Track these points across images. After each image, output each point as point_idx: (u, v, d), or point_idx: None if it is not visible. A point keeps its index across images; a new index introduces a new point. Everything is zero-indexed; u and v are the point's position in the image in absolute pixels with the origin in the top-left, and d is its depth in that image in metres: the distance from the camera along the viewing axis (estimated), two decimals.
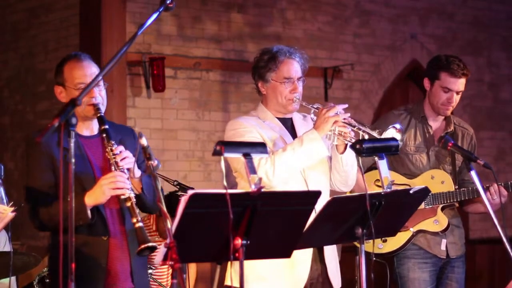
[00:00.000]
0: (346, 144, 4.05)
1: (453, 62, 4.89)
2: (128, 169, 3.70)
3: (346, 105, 4.05)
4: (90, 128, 3.86)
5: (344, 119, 3.98)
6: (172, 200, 5.45)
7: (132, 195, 3.66)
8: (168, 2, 3.36)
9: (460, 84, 4.90)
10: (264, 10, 8.05)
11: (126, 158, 3.70)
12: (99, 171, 3.78)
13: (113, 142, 3.71)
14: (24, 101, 8.07)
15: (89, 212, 3.68)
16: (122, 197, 3.65)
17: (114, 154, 3.68)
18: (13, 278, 5.14)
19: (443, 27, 9.17)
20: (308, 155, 4.00)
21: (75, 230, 3.66)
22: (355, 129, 3.96)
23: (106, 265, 3.75)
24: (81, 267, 3.69)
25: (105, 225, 3.76)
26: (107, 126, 3.73)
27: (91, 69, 3.82)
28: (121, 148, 3.73)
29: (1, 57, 8.34)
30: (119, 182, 3.63)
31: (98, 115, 3.75)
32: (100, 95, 3.80)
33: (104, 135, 3.72)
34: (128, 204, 3.63)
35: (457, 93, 4.92)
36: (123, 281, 3.80)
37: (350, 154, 4.10)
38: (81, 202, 3.64)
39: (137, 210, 3.64)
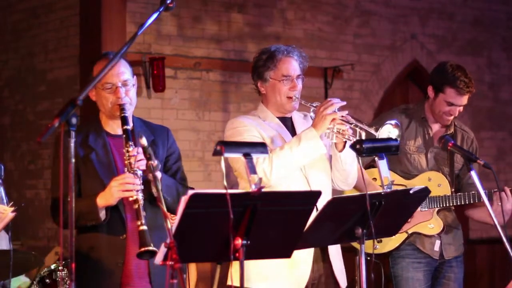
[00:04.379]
0: (345, 142, 4.05)
1: (460, 78, 4.83)
2: (144, 171, 3.69)
3: (344, 102, 4.03)
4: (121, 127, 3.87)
5: (342, 116, 3.96)
6: None
7: (141, 197, 3.65)
8: (168, 2, 3.36)
9: (464, 99, 4.90)
10: (264, 10, 8.05)
11: (141, 160, 3.68)
12: (122, 170, 3.79)
13: (131, 143, 3.70)
14: (24, 101, 8.08)
15: (102, 212, 3.71)
16: (130, 199, 3.65)
17: (129, 155, 3.68)
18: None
19: (443, 27, 9.18)
20: (305, 153, 3.99)
21: (93, 229, 3.74)
22: (352, 126, 3.95)
23: (123, 264, 3.76)
24: (98, 265, 3.74)
25: (124, 224, 3.78)
26: (127, 127, 3.73)
27: (119, 69, 3.83)
28: (139, 150, 3.72)
29: (1, 57, 8.34)
30: (128, 184, 3.64)
31: (122, 115, 3.76)
32: (127, 96, 3.83)
33: (124, 135, 3.73)
34: (135, 206, 3.63)
35: (460, 106, 4.93)
36: (139, 280, 3.80)
37: (349, 152, 4.08)
38: (93, 203, 3.69)
39: (143, 213, 3.62)
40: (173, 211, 3.87)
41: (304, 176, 4.10)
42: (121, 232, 3.78)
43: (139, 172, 3.67)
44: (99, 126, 3.90)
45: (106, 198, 3.69)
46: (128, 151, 3.69)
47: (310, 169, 4.11)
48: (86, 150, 3.83)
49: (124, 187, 3.64)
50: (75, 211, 3.63)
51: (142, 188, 3.68)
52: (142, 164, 3.67)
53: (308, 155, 4.01)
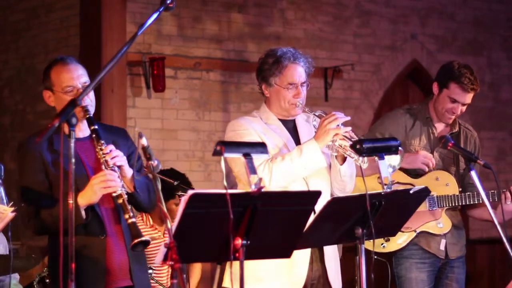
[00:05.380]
0: (346, 157, 4.06)
1: (465, 75, 4.85)
2: (119, 167, 3.74)
3: (348, 118, 4.04)
4: (82, 130, 3.90)
5: (345, 132, 3.97)
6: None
7: (124, 192, 3.70)
8: (168, 2, 3.36)
9: (467, 97, 4.89)
10: (264, 10, 8.05)
11: (116, 156, 3.74)
12: (92, 171, 3.82)
13: (102, 142, 3.75)
14: (24, 101, 8.08)
15: (83, 212, 3.72)
16: (114, 194, 3.70)
17: (104, 153, 3.73)
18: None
19: (443, 27, 9.17)
20: (306, 166, 4.01)
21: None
22: None
23: (105, 264, 3.79)
24: (80, 267, 3.73)
25: (102, 225, 3.81)
26: (96, 126, 3.77)
27: (77, 72, 3.87)
28: (111, 147, 3.77)
29: (1, 57, 8.34)
30: (109, 180, 3.67)
31: (87, 116, 3.77)
32: (88, 97, 3.84)
33: (94, 135, 3.76)
34: (120, 201, 3.68)
35: (463, 104, 4.92)
36: (122, 279, 3.84)
37: (349, 166, 4.11)
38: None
39: (129, 207, 3.68)
40: (145, 208, 3.90)
41: (304, 180, 4.11)
42: (100, 232, 3.80)
43: (116, 169, 3.71)
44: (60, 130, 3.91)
45: (87, 197, 3.70)
46: (101, 149, 3.73)
47: (310, 176, 4.11)
48: (53, 155, 3.84)
49: (105, 184, 3.67)
50: (54, 215, 3.65)
51: (123, 183, 3.72)
52: (118, 161, 3.73)
53: (308, 168, 4.03)
